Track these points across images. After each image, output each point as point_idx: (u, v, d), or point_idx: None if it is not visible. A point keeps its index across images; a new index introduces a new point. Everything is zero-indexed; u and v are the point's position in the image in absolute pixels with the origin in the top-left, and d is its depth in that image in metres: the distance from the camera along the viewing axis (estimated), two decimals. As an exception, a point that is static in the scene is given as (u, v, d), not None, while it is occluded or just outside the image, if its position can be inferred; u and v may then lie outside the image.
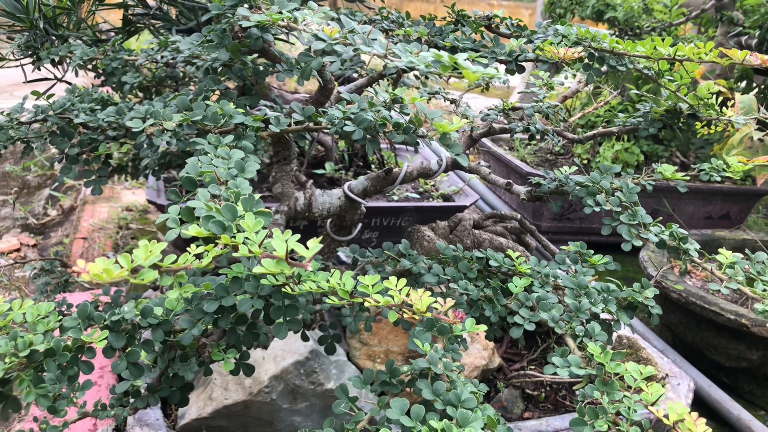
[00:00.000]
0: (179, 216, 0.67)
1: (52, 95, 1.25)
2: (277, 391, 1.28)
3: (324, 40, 0.81)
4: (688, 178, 1.23)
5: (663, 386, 1.39)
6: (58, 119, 1.18)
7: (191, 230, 0.61)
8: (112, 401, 1.01)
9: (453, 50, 1.16)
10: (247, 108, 1.07)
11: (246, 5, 1.00)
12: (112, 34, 1.79)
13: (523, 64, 1.18)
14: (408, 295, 0.77)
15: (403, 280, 0.80)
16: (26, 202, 2.87)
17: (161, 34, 1.68)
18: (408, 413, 0.74)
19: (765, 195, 2.81)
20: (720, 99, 1.33)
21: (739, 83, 2.87)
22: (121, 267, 0.58)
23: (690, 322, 1.81)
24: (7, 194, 2.92)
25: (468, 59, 0.75)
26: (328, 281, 0.74)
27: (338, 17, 1.07)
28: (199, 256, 0.65)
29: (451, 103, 1.64)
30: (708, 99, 1.28)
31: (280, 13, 0.90)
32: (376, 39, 0.79)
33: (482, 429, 0.72)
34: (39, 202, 2.87)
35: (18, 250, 2.45)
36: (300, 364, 1.29)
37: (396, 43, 1.21)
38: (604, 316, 1.05)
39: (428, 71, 0.70)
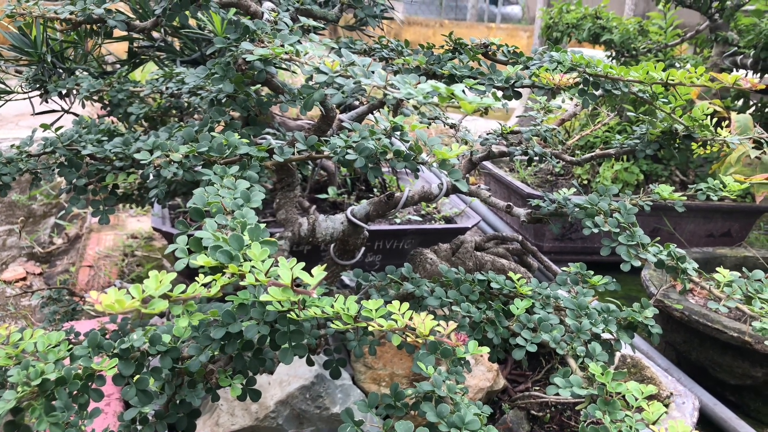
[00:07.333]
0: (187, 246, 0.69)
1: (60, 127, 1.28)
2: (283, 416, 1.29)
3: (325, 73, 0.83)
4: (685, 198, 1.25)
5: (667, 405, 1.39)
6: (66, 151, 1.21)
7: (200, 260, 0.63)
8: (120, 428, 1.02)
9: (451, 78, 1.19)
10: (252, 138, 1.09)
11: (249, 39, 1.03)
12: (118, 66, 1.83)
13: (520, 89, 1.21)
14: (411, 318, 0.79)
15: (406, 304, 0.81)
16: (32, 231, 2.90)
17: (166, 65, 1.72)
18: (413, 436, 0.75)
19: (765, 212, 2.82)
20: (715, 119, 1.36)
21: (735, 102, 2.90)
22: (133, 297, 0.60)
23: (693, 340, 1.82)
24: (13, 223, 2.95)
25: (465, 89, 0.78)
26: (332, 306, 0.76)
27: (338, 47, 1.10)
28: (207, 285, 0.67)
29: (451, 127, 1.66)
30: (703, 120, 1.30)
31: (283, 46, 0.93)
32: (375, 71, 0.81)
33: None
34: (45, 230, 2.90)
35: (24, 278, 2.47)
36: (305, 389, 1.30)
37: (395, 72, 1.24)
38: (605, 336, 1.07)
39: (426, 102, 0.73)
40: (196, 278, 0.70)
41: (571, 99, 1.75)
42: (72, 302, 1.78)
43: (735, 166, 2.04)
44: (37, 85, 1.60)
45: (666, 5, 3.07)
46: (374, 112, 1.44)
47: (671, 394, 1.43)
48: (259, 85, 1.21)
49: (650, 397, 0.85)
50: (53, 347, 0.79)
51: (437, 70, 1.23)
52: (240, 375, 0.90)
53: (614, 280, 1.19)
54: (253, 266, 0.65)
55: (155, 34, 1.71)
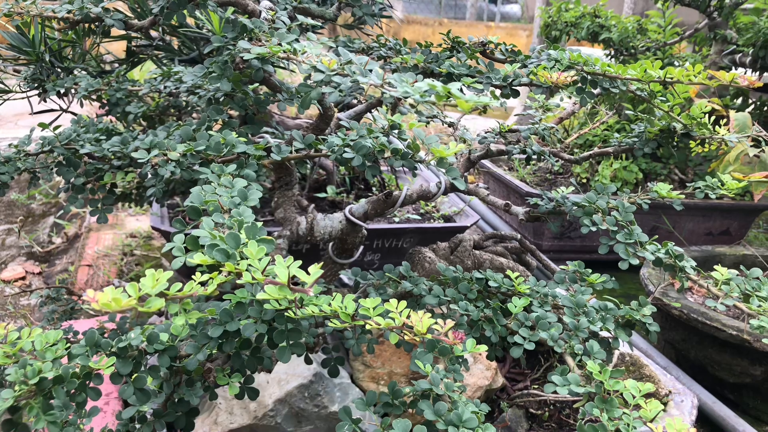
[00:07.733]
0: (184, 244, 0.69)
1: (58, 126, 1.28)
2: (282, 414, 1.29)
3: (322, 72, 0.83)
4: (683, 196, 1.25)
5: (666, 403, 1.39)
6: (64, 150, 1.21)
7: (196, 258, 0.63)
8: (118, 427, 1.02)
9: (449, 76, 1.19)
10: (249, 136, 1.09)
11: (246, 38, 1.03)
12: (116, 65, 1.82)
13: (518, 88, 1.20)
14: (409, 317, 0.79)
15: (404, 302, 0.81)
16: (31, 231, 2.90)
17: (164, 64, 1.72)
18: (410, 434, 0.75)
19: (764, 210, 2.82)
20: (714, 117, 1.36)
21: (735, 100, 2.90)
22: (129, 296, 0.60)
23: (692, 338, 1.82)
24: (12, 222, 2.95)
25: (462, 87, 0.78)
26: (330, 305, 0.76)
27: (336, 47, 1.10)
28: (204, 284, 0.67)
29: (449, 126, 1.66)
30: (701, 118, 1.30)
31: (280, 45, 0.93)
32: (372, 69, 0.81)
33: (484, 448, 0.73)
34: (44, 230, 2.90)
35: (23, 278, 2.47)
36: (304, 388, 1.30)
37: (393, 70, 1.24)
38: (603, 334, 1.07)
39: (423, 100, 0.73)
40: (193, 277, 0.70)
41: (570, 97, 1.75)
42: (71, 301, 1.78)
43: (733, 164, 2.04)
44: (36, 85, 1.60)
45: (665, 4, 3.07)
46: (372, 110, 1.44)
47: (670, 392, 1.43)
48: (257, 84, 1.22)
49: (648, 395, 0.85)
50: (51, 346, 0.79)
51: (435, 68, 1.23)
52: (238, 373, 0.90)
53: (613, 278, 1.19)
54: (249, 264, 0.65)
55: (153, 33, 1.71)
